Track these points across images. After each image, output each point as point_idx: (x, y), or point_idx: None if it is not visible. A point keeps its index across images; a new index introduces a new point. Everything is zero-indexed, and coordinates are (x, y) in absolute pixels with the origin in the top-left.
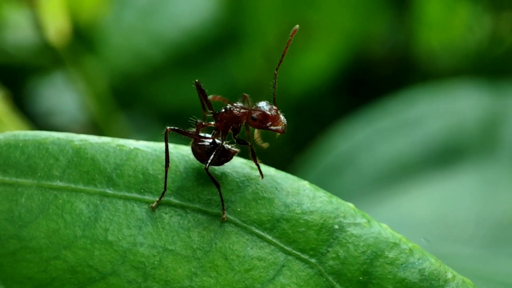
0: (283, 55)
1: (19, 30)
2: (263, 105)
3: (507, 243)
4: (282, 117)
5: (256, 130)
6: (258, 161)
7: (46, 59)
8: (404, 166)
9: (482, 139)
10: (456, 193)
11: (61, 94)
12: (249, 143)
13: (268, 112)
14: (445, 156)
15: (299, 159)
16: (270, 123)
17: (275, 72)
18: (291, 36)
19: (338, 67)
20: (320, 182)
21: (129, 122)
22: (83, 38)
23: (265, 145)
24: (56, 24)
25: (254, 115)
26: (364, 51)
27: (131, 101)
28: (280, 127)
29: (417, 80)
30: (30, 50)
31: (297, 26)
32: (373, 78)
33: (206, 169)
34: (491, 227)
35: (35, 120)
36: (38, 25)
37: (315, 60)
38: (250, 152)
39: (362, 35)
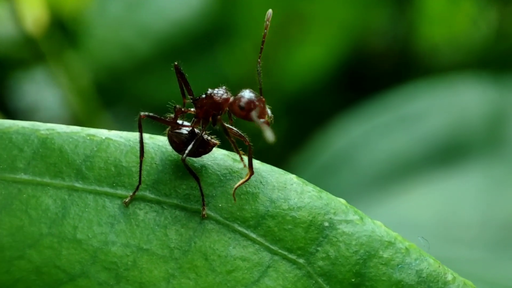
0: (263, 41)
1: None
2: (250, 94)
3: None
4: (268, 110)
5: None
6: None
7: (26, 53)
8: (404, 164)
9: (486, 136)
10: (459, 193)
11: (44, 90)
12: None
13: (256, 102)
14: (448, 153)
15: (295, 157)
16: (256, 114)
17: (258, 60)
18: (267, 20)
19: (335, 62)
20: (316, 181)
21: (115, 118)
22: (66, 31)
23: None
24: (33, 14)
25: (242, 103)
26: (363, 45)
27: (117, 96)
28: (266, 119)
29: (418, 75)
30: (10, 43)
31: (270, 10)
32: (372, 72)
33: (183, 160)
34: (496, 228)
35: (17, 117)
36: (15, 16)
37: (311, 54)
38: (231, 142)
39: (360, 28)
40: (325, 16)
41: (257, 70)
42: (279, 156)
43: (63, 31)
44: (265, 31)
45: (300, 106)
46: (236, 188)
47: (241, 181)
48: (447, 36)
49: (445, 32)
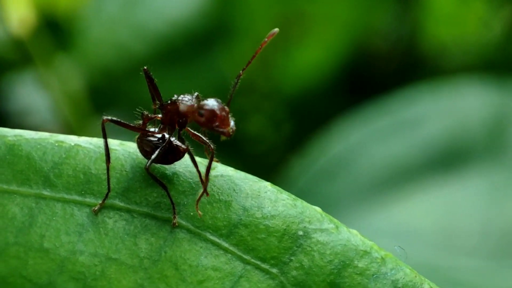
0: (253, 56)
1: None
2: (213, 102)
3: None
4: (232, 121)
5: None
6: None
7: (15, 54)
8: (403, 170)
9: (488, 141)
10: (459, 200)
11: (33, 93)
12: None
13: (217, 111)
14: (448, 159)
15: (295, 162)
16: (217, 123)
17: (240, 72)
18: (267, 38)
19: (337, 63)
20: (312, 187)
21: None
22: (60, 31)
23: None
24: (19, 15)
25: (202, 110)
26: (365, 46)
27: (113, 99)
28: (226, 130)
29: (423, 77)
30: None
31: (277, 29)
32: (375, 75)
33: (147, 168)
34: (498, 237)
35: (8, 120)
36: (0, 17)
37: (312, 56)
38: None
39: (363, 28)
40: (327, 16)
41: (236, 82)
42: (280, 159)
43: (56, 32)
44: (261, 46)
45: (302, 108)
46: (198, 202)
47: (199, 194)
48: (455, 37)
49: (453, 33)
